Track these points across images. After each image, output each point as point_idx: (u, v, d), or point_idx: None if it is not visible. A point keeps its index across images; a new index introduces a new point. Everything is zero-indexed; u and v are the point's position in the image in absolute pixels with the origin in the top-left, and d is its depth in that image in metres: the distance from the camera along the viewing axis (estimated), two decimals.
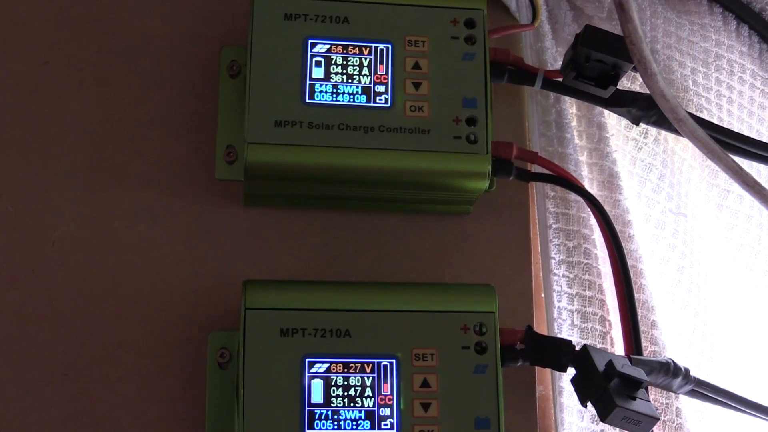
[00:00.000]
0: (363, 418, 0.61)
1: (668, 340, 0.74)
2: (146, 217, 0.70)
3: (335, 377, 0.62)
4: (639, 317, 0.70)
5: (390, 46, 0.68)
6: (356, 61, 0.67)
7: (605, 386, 0.62)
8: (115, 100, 0.72)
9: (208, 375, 0.67)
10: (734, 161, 0.59)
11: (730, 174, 0.60)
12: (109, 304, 0.68)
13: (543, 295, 0.74)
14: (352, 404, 0.61)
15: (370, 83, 0.67)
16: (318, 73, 0.67)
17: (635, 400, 0.62)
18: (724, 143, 0.74)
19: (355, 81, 0.67)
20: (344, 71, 0.67)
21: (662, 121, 0.74)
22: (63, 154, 0.70)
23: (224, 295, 0.69)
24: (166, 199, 0.71)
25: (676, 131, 0.75)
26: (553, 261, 0.74)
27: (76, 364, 0.67)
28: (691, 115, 0.60)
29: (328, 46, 0.67)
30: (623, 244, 0.71)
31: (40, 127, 0.71)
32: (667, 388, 0.70)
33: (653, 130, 0.80)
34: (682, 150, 0.82)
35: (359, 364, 0.62)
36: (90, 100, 0.72)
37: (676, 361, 0.69)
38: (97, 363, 0.67)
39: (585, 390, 0.64)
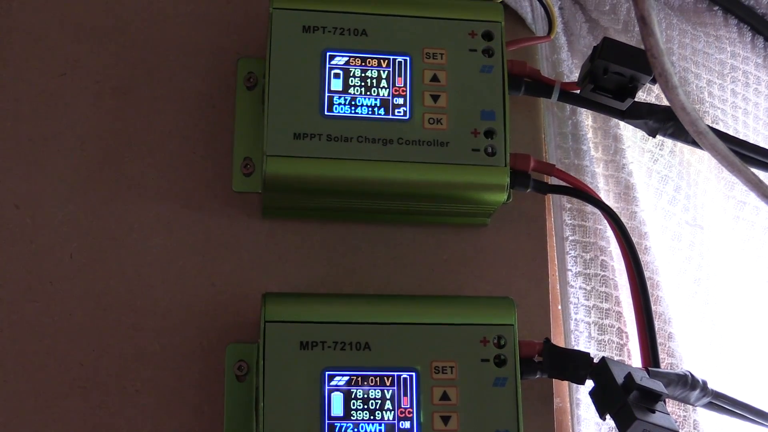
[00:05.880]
0: (383, 431, 0.61)
1: (685, 352, 0.74)
2: (164, 229, 0.70)
3: (355, 390, 0.61)
4: (656, 329, 0.70)
5: (408, 58, 0.68)
6: (375, 73, 0.67)
7: (624, 399, 0.62)
8: (132, 111, 0.72)
9: (226, 387, 0.67)
10: (754, 174, 0.59)
11: (750, 186, 0.59)
12: (127, 316, 0.68)
13: (560, 307, 0.74)
14: (372, 417, 0.61)
15: (388, 95, 0.67)
16: (336, 85, 0.67)
17: (654, 412, 0.62)
18: (741, 155, 0.74)
19: (373, 93, 0.67)
20: (363, 83, 0.67)
21: (679, 133, 0.75)
22: (80, 165, 0.71)
23: (242, 307, 0.69)
24: (183, 211, 0.71)
25: (692, 143, 0.75)
26: (569, 273, 0.74)
27: (94, 377, 0.67)
28: (710, 128, 0.60)
29: (347, 59, 0.67)
30: (640, 256, 0.71)
31: (57, 139, 0.71)
32: (685, 401, 0.69)
33: (669, 142, 0.80)
34: (698, 162, 0.82)
35: (379, 377, 0.62)
36: (107, 112, 0.72)
37: (693, 373, 0.68)
38: (115, 375, 0.67)
39: (604, 403, 0.64)
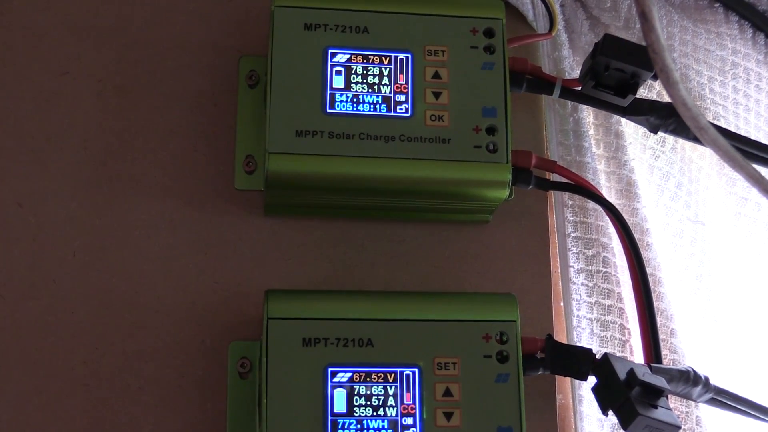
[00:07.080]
0: (386, 427, 0.61)
1: (687, 349, 0.74)
2: (166, 227, 0.70)
3: (358, 387, 0.62)
4: (658, 325, 0.70)
5: (410, 55, 0.68)
6: (376, 70, 0.67)
7: (627, 395, 0.62)
8: (134, 110, 0.72)
9: (228, 385, 0.67)
10: (755, 170, 0.59)
11: (752, 182, 0.59)
12: (130, 314, 0.68)
13: (562, 304, 0.74)
14: (375, 414, 0.61)
15: (390, 93, 0.67)
16: (338, 82, 0.67)
17: (657, 408, 0.62)
18: (743, 151, 0.74)
19: (375, 90, 0.67)
20: (364, 81, 0.67)
21: (680, 130, 0.75)
22: (83, 164, 0.71)
23: (244, 305, 0.69)
24: (185, 209, 0.71)
25: (694, 140, 0.76)
26: (572, 269, 0.74)
27: (97, 374, 0.67)
28: (711, 124, 0.60)
29: (349, 56, 0.67)
30: (642, 253, 0.71)
31: (60, 138, 0.71)
32: (687, 397, 0.69)
33: (670, 139, 0.80)
34: (700, 158, 0.82)
35: (382, 374, 0.62)
36: (109, 111, 0.72)
37: (695, 369, 0.68)
38: (118, 373, 0.67)
39: (606, 398, 0.64)
